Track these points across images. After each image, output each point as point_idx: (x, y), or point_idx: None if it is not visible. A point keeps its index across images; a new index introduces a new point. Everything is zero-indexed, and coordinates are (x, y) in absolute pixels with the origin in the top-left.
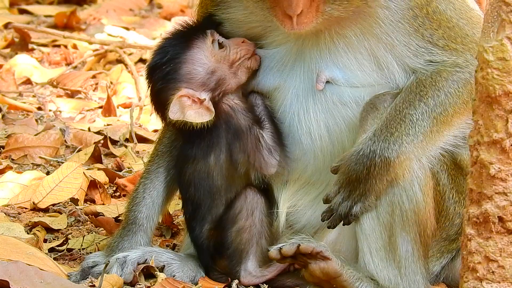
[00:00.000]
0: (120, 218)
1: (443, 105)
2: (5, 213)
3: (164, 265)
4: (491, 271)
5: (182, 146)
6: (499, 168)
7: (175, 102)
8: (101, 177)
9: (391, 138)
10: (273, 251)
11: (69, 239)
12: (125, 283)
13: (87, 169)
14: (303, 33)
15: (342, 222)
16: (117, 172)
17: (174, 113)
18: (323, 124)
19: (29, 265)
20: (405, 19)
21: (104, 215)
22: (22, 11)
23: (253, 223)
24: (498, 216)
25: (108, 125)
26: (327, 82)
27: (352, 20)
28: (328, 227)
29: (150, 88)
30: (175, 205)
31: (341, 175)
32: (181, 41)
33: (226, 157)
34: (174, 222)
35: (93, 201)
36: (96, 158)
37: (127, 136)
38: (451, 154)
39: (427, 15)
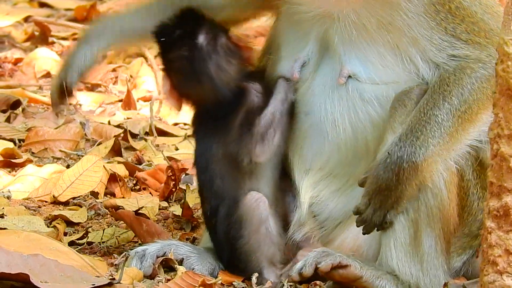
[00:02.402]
0: (140, 211)
1: (467, 102)
2: (25, 207)
3: (183, 258)
4: (511, 264)
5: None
6: None
7: None
8: (121, 171)
9: (417, 142)
10: (295, 275)
11: (89, 232)
12: (145, 276)
13: (107, 163)
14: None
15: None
16: (137, 166)
17: None
18: (348, 118)
19: (49, 258)
20: (427, 13)
21: (124, 209)
22: (42, 5)
23: (257, 230)
24: None
25: (128, 118)
26: (349, 77)
27: (375, 12)
28: (364, 234)
29: None
30: (195, 198)
31: (370, 186)
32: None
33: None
34: (193, 215)
35: (113, 195)
36: (116, 151)
37: (147, 130)
38: (476, 149)
39: (449, 11)
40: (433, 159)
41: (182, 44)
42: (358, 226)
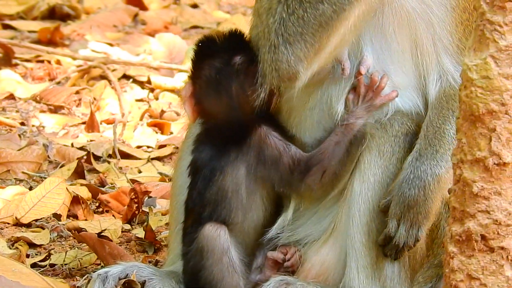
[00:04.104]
0: (102, 233)
1: None
2: None
3: (145, 280)
4: None
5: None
6: (482, 186)
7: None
8: (84, 193)
9: (437, 155)
10: None
11: (52, 254)
12: None
13: (70, 185)
14: None
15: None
16: (100, 188)
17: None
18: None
19: (12, 280)
20: (459, 7)
21: (86, 231)
22: (6, 26)
23: (220, 260)
24: (480, 234)
25: (91, 140)
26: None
27: None
28: (395, 259)
29: None
30: (158, 221)
31: (397, 206)
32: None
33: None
34: (156, 238)
35: (75, 217)
36: (79, 173)
37: (110, 152)
38: None
39: (471, 12)
40: (452, 172)
41: (218, 56)
42: (388, 254)
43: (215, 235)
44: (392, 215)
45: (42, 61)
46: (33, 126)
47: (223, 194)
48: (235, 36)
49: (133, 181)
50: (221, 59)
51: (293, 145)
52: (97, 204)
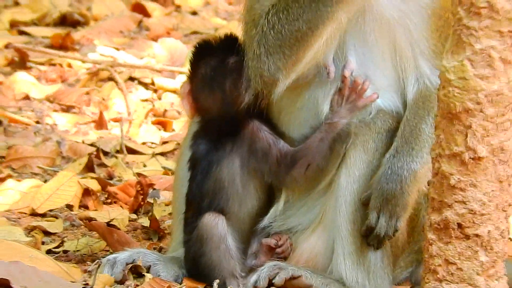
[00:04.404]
0: (111, 222)
1: None
2: (6, 218)
3: (150, 265)
4: (450, 273)
5: (206, 149)
6: (459, 178)
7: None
8: (94, 185)
9: (413, 152)
10: (249, 287)
11: (65, 241)
12: (115, 282)
13: (81, 178)
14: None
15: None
16: (109, 181)
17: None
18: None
19: (28, 265)
20: (435, 15)
21: (96, 220)
22: (21, 33)
23: (217, 247)
24: (457, 223)
25: (100, 137)
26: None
27: (399, 4)
28: (377, 249)
29: None
30: (162, 211)
31: (376, 199)
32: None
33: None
34: (160, 226)
35: (86, 207)
36: (89, 168)
37: (118, 148)
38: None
39: (446, 20)
40: (428, 166)
41: (213, 56)
42: (371, 244)
43: (214, 223)
44: (372, 208)
45: (54, 64)
46: (47, 124)
47: (220, 185)
48: (229, 39)
49: (138, 174)
50: (216, 59)
51: (281, 140)
52: (106, 196)
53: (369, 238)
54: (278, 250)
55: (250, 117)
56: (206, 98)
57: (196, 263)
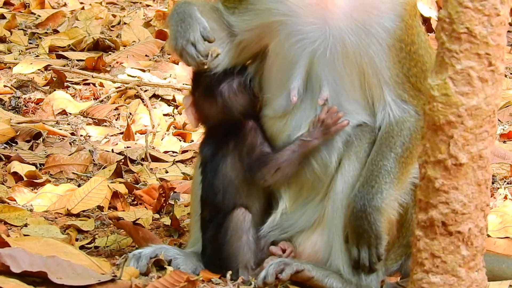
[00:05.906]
0: (137, 221)
1: (409, 149)
2: (44, 218)
3: (171, 259)
4: (435, 265)
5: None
6: (443, 182)
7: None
8: (122, 189)
9: (372, 190)
10: (259, 283)
11: (96, 238)
12: (140, 274)
13: (111, 183)
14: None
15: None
16: (135, 185)
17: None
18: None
19: (64, 259)
20: (395, 47)
21: (124, 219)
22: (59, 56)
23: (240, 238)
24: (441, 221)
25: (127, 147)
26: (326, 100)
27: (358, 33)
28: (372, 273)
29: None
30: (181, 211)
31: (352, 236)
32: None
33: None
34: (180, 225)
35: (115, 208)
36: (118, 173)
37: (143, 156)
38: (412, 179)
39: (409, 52)
40: (390, 198)
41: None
42: (365, 272)
43: (242, 218)
44: (351, 244)
45: (88, 84)
46: (81, 136)
47: (228, 180)
48: None
49: (161, 179)
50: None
51: (267, 142)
52: (132, 198)
53: (359, 269)
54: (284, 255)
55: (248, 117)
56: (207, 107)
57: (216, 250)
